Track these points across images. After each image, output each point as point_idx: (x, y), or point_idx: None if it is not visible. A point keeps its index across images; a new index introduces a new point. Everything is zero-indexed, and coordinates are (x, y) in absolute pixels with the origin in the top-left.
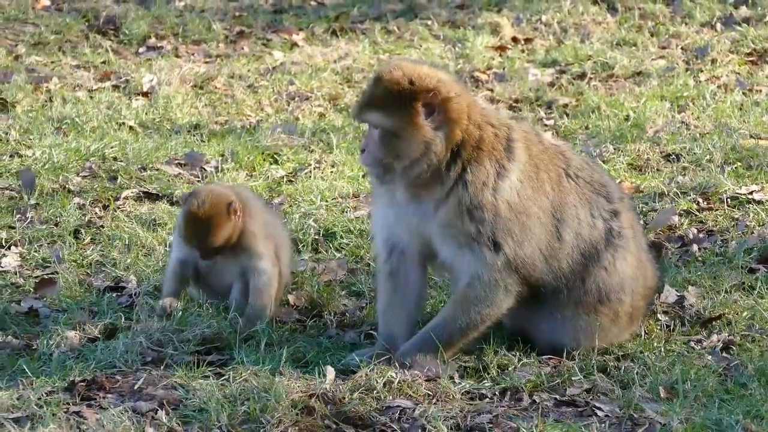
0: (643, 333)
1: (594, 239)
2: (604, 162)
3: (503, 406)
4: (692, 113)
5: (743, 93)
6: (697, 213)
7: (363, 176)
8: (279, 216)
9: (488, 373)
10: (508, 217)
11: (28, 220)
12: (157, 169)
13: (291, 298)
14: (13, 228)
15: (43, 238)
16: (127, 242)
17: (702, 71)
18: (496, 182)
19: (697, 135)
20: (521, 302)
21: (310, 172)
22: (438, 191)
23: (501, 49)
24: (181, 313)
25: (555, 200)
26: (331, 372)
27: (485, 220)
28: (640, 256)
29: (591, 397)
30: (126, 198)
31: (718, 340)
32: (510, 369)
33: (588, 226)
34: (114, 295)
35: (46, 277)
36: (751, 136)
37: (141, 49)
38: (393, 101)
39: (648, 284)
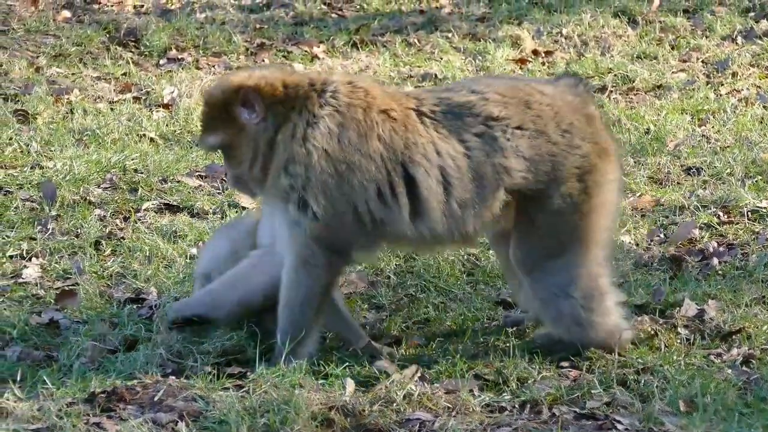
0: (663, 346)
1: (478, 161)
2: (624, 175)
3: (523, 419)
4: (713, 127)
5: (764, 106)
6: (718, 226)
7: None
8: None
9: (508, 386)
10: (323, 168)
11: (49, 231)
12: (178, 181)
13: None
14: (34, 239)
15: (64, 249)
16: (147, 254)
17: (723, 85)
18: (305, 131)
19: (718, 148)
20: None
21: None
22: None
23: (521, 61)
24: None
25: (398, 142)
26: (350, 384)
27: (297, 174)
28: (555, 112)
29: (611, 410)
30: (147, 210)
31: (738, 354)
32: (530, 382)
33: (462, 155)
34: (134, 306)
35: (66, 288)
36: None
37: (162, 61)
38: (216, 117)
39: (583, 116)
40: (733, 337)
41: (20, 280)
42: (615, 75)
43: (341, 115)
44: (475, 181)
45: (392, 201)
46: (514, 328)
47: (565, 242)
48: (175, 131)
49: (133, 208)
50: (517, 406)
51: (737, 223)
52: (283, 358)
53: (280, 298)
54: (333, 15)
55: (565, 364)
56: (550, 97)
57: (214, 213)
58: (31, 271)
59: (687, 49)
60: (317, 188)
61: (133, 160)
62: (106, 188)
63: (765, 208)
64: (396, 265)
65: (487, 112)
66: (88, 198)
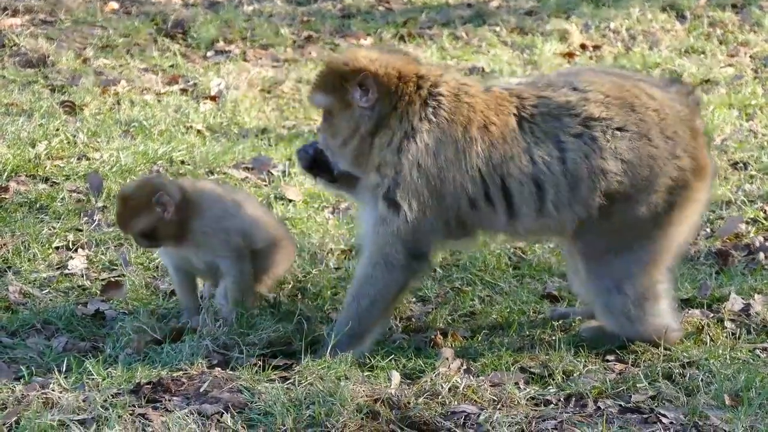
0: (708, 340)
1: (575, 163)
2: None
3: (568, 413)
4: (760, 121)
5: None
6: (764, 221)
7: None
8: (249, 196)
9: (553, 379)
10: (415, 179)
11: (96, 222)
12: (225, 173)
13: None
14: (81, 231)
15: (110, 240)
16: None
17: None
18: (401, 142)
19: (765, 143)
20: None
21: None
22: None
23: (569, 55)
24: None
25: (496, 157)
26: (396, 377)
27: (388, 175)
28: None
29: (656, 404)
30: None
31: None
32: (575, 375)
33: (557, 160)
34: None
35: (112, 279)
36: None
37: (209, 53)
38: (331, 82)
39: (688, 129)
40: None
41: (66, 272)
42: (663, 69)
43: (441, 131)
44: (570, 184)
45: (487, 208)
46: (560, 322)
47: (634, 245)
48: (221, 123)
49: None
50: (562, 399)
51: None
52: (329, 348)
53: (349, 290)
54: (380, 8)
55: (610, 357)
56: (659, 102)
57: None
58: (78, 263)
59: (735, 44)
60: (409, 193)
61: (179, 151)
62: None
63: None
64: (442, 258)
65: (588, 113)
66: None
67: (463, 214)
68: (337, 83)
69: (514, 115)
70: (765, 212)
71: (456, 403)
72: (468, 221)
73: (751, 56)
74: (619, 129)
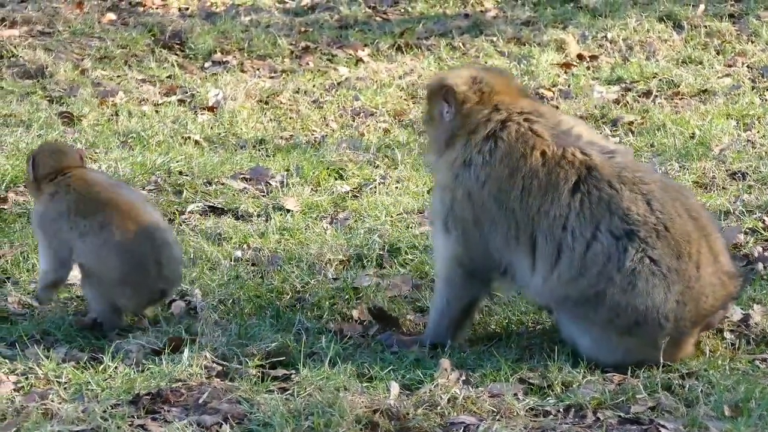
0: (707, 351)
1: (593, 257)
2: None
3: (567, 423)
4: (758, 131)
5: None
6: (763, 231)
7: (428, 192)
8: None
9: (552, 390)
10: (464, 206)
11: None
12: (223, 184)
13: (355, 312)
14: None
15: None
16: (192, 256)
17: None
18: (461, 168)
19: (763, 153)
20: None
21: (375, 187)
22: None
23: (566, 66)
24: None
25: (531, 205)
26: (395, 387)
27: (446, 201)
28: (688, 282)
29: (655, 415)
30: (191, 212)
31: None
32: (574, 386)
33: (584, 243)
34: (179, 308)
35: None
36: None
37: (206, 64)
38: (427, 105)
39: (701, 310)
40: None
41: (66, 282)
42: (660, 80)
43: (491, 166)
44: (580, 269)
45: (516, 249)
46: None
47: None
48: (219, 134)
49: (177, 210)
50: (561, 410)
51: None
52: (418, 344)
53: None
54: (377, 18)
55: (609, 368)
56: (704, 270)
57: (258, 215)
58: (77, 273)
59: (732, 54)
60: (457, 220)
61: (177, 162)
62: (151, 190)
63: None
64: None
65: (637, 231)
66: None
67: (501, 252)
68: (429, 103)
69: (573, 180)
70: (764, 222)
71: (455, 414)
72: (507, 261)
73: (748, 66)
74: (651, 260)
